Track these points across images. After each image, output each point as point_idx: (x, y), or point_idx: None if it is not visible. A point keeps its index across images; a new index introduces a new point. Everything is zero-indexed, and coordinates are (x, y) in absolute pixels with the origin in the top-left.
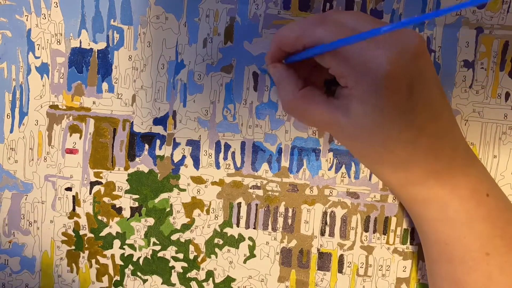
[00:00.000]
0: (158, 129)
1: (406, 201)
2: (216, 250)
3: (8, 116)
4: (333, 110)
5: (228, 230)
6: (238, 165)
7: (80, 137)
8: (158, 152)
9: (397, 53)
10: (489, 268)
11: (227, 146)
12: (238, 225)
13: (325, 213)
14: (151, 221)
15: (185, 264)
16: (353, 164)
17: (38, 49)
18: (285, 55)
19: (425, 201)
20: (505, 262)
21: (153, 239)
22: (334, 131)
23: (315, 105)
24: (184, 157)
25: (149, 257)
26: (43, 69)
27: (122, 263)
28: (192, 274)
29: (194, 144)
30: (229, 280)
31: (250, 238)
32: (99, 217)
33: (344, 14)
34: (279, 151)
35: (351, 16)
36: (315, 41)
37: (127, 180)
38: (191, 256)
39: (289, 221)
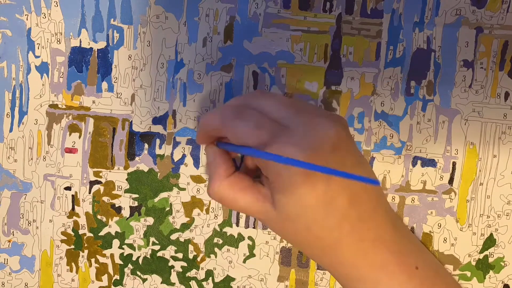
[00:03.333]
0: (158, 128)
1: (340, 280)
2: (216, 249)
3: (8, 115)
4: (260, 198)
5: (228, 230)
6: (238, 164)
7: (80, 137)
8: (158, 151)
9: (313, 150)
10: None
11: None
12: (237, 225)
13: None
14: (150, 220)
15: (185, 264)
16: None
17: (38, 48)
18: (215, 138)
19: (357, 280)
20: None
21: (152, 239)
22: (263, 219)
23: (242, 194)
24: (184, 156)
25: (148, 256)
26: (43, 68)
27: (122, 263)
28: (192, 273)
29: (194, 143)
30: (228, 279)
31: (250, 238)
32: (99, 217)
33: (265, 101)
34: None
35: (273, 104)
36: (235, 134)
37: (126, 179)
38: (191, 256)
39: None
